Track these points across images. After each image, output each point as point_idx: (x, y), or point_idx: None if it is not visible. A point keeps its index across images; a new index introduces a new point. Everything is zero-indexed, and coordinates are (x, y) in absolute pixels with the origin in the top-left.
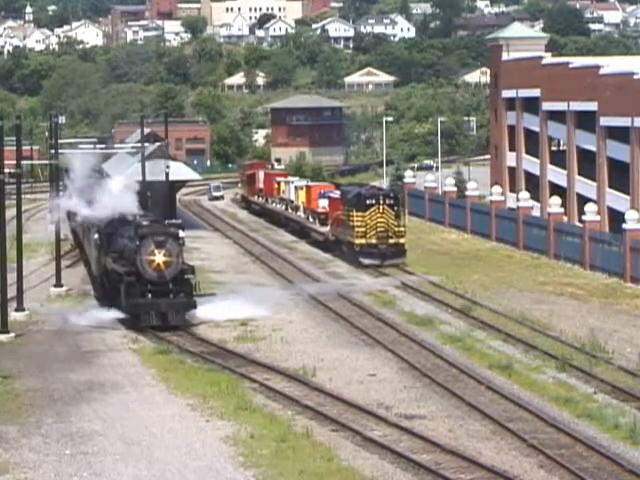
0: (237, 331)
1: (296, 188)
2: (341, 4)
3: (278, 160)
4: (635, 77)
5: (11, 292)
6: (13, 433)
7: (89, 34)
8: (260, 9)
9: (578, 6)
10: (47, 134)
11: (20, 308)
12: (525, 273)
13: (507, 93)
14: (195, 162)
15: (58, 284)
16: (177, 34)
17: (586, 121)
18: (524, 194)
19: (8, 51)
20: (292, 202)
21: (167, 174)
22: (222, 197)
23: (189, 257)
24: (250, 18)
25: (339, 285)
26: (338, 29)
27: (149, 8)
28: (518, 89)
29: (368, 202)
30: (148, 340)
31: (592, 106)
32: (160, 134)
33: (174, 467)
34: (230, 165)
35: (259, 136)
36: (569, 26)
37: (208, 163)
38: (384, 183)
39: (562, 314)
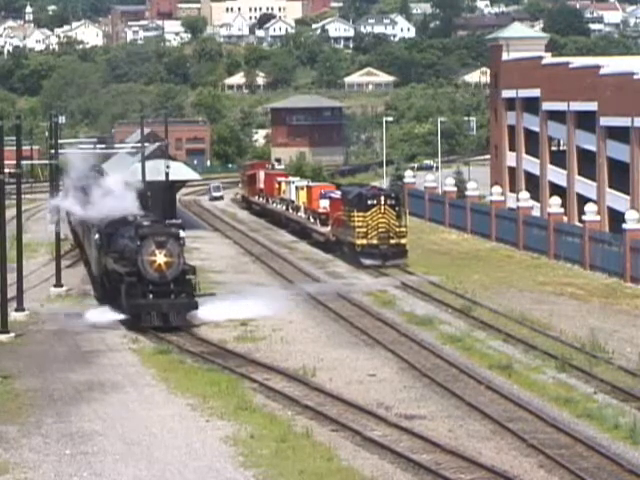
0: (237, 331)
1: (297, 188)
2: (341, 4)
3: (278, 160)
4: (635, 77)
5: (11, 292)
6: (13, 433)
7: (89, 34)
8: (260, 9)
9: (578, 6)
10: (47, 134)
11: (20, 308)
12: (525, 273)
13: (507, 93)
14: (195, 162)
15: (58, 284)
16: (177, 34)
17: (586, 121)
18: (524, 194)
19: (8, 51)
20: (293, 202)
21: (167, 174)
22: (222, 197)
23: (189, 257)
24: (250, 18)
25: (339, 285)
26: (338, 29)
27: (149, 8)
28: (518, 89)
29: (369, 202)
30: (148, 340)
31: (592, 106)
32: (160, 134)
33: (174, 467)
34: (230, 165)
35: (259, 136)
36: (569, 26)
37: (208, 163)
38: (384, 183)
39: (562, 314)
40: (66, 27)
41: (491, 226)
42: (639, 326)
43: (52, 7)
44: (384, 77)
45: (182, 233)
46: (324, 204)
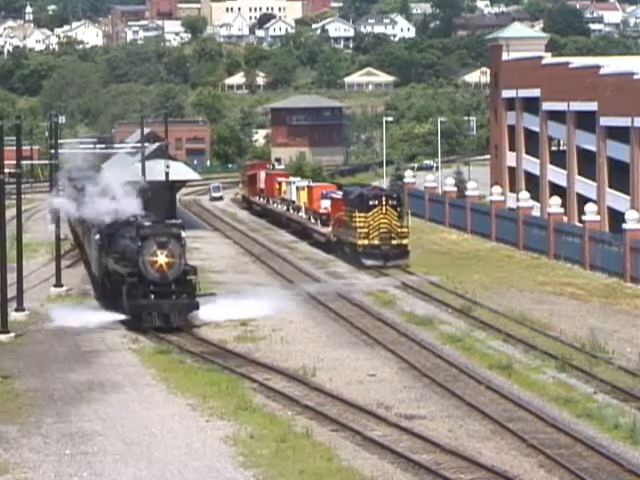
0: (237, 331)
1: (298, 188)
2: (341, 4)
3: (278, 160)
4: (635, 77)
5: (11, 292)
6: (13, 433)
7: (89, 34)
8: (260, 9)
9: (578, 6)
10: (47, 134)
11: (20, 308)
12: (525, 273)
13: (507, 93)
14: (195, 162)
15: (58, 284)
16: (177, 34)
17: (586, 121)
18: (524, 194)
19: (8, 51)
20: (294, 203)
21: (167, 174)
22: (222, 198)
23: (189, 257)
24: (250, 18)
25: (339, 285)
26: (338, 29)
27: (149, 8)
28: (518, 89)
29: (371, 203)
30: (148, 340)
31: (592, 106)
32: (160, 134)
33: (174, 467)
34: (230, 165)
35: (259, 136)
36: (569, 26)
37: (208, 163)
38: (384, 183)
39: (562, 314)
40: (66, 27)
41: (491, 226)
42: (639, 326)
43: (52, 7)
44: (384, 77)
45: (182, 233)
46: (325, 204)
